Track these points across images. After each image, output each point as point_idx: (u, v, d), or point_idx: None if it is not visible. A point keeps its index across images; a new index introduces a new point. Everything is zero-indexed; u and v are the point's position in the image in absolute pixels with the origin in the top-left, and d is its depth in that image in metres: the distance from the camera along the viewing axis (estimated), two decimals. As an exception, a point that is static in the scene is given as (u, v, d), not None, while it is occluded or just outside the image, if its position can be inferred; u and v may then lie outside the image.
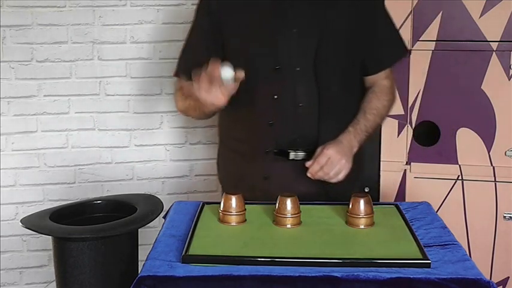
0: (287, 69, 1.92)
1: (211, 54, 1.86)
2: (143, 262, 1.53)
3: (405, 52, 2.11)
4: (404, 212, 1.80)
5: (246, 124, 2.00)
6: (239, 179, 2.04)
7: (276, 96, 1.93)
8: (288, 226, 1.67)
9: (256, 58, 1.93)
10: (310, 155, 1.91)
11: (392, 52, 2.08)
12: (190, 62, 1.95)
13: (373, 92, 2.03)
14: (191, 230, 1.66)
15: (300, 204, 1.81)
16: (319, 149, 1.86)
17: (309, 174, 1.84)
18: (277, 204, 1.69)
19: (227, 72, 1.68)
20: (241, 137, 2.02)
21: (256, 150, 1.98)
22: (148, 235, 2.57)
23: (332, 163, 1.82)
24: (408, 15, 2.30)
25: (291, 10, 1.92)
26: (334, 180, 1.84)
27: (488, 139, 2.30)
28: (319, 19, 1.92)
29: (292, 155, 1.96)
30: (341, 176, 1.84)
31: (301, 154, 1.95)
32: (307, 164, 1.84)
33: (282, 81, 1.93)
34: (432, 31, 2.28)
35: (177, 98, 2.05)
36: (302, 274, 1.42)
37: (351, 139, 1.91)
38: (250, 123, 1.98)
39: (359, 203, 1.68)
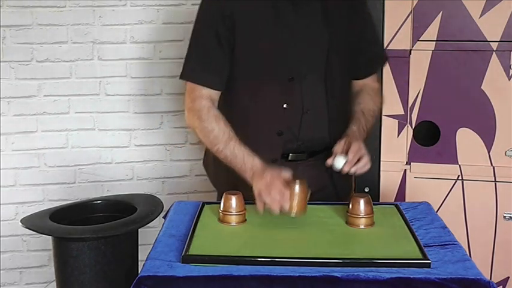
0: (298, 78, 1.92)
1: (228, 58, 1.91)
2: (143, 262, 1.53)
3: (387, 58, 2.14)
4: (404, 212, 1.80)
5: (253, 133, 1.95)
6: (241, 188, 1.97)
7: (285, 105, 1.93)
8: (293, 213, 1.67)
9: (268, 68, 1.92)
10: (310, 155, 1.97)
11: (382, 54, 2.12)
12: (211, 67, 1.93)
13: (368, 94, 2.04)
14: (191, 230, 1.66)
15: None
16: (341, 143, 1.84)
17: (347, 165, 1.80)
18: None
19: (340, 162, 1.78)
20: (249, 145, 1.93)
21: (262, 160, 1.92)
22: (148, 235, 2.57)
23: (362, 150, 1.83)
24: (408, 15, 2.30)
25: (299, 20, 1.92)
26: (365, 169, 1.83)
27: (488, 139, 2.30)
28: (326, 28, 1.93)
29: (292, 156, 1.96)
30: (368, 165, 1.84)
31: (303, 155, 1.97)
32: (328, 161, 1.82)
33: (293, 90, 1.92)
34: (432, 31, 2.28)
35: (196, 124, 1.94)
36: (302, 274, 1.42)
37: (357, 137, 1.91)
38: (258, 133, 1.95)
39: (359, 203, 1.69)
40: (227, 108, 1.99)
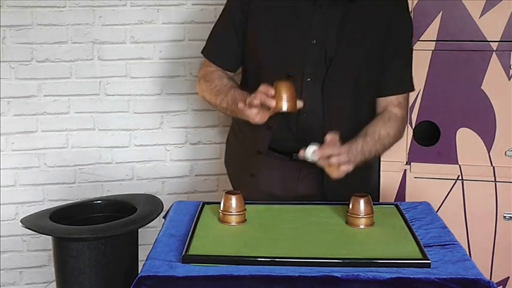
0: (298, 78, 1.91)
1: (240, 43, 2.00)
2: (143, 262, 1.53)
3: (412, 88, 2.08)
4: (404, 212, 1.80)
5: (246, 122, 2.00)
6: (236, 168, 2.14)
7: None
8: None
9: (271, 61, 1.94)
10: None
11: (404, 82, 2.05)
12: (223, 48, 2.04)
13: (382, 117, 1.99)
14: (191, 230, 1.66)
15: (300, 204, 1.82)
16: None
17: (318, 154, 1.72)
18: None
19: (311, 151, 1.72)
20: (245, 131, 2.07)
21: (250, 148, 2.02)
22: (148, 235, 2.57)
23: (339, 151, 1.74)
24: (408, 15, 2.29)
25: (314, 21, 1.91)
26: (335, 174, 1.74)
27: (488, 139, 2.30)
28: (341, 34, 1.91)
29: (294, 155, 1.96)
30: (343, 169, 1.72)
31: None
32: (300, 153, 1.76)
33: None
34: (432, 31, 2.28)
35: (203, 87, 2.05)
36: (302, 274, 1.42)
37: None
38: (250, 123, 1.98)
39: (359, 203, 1.69)
40: None
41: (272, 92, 1.70)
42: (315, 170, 1.98)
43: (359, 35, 1.93)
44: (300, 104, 1.74)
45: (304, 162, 1.97)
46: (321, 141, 1.88)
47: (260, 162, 2.00)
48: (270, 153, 2.00)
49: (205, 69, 2.08)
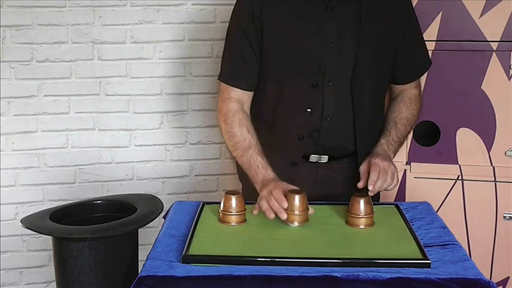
0: (322, 84, 1.91)
1: (259, 60, 1.94)
2: (143, 262, 1.53)
3: (430, 63, 2.15)
4: (404, 212, 1.80)
5: (276, 135, 1.99)
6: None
7: (309, 110, 1.93)
8: (295, 224, 1.68)
9: (293, 72, 1.92)
10: (331, 159, 1.98)
11: (422, 62, 2.11)
12: (243, 70, 1.96)
13: (403, 101, 2.07)
14: (191, 230, 1.66)
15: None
16: (364, 165, 1.88)
17: (370, 187, 1.80)
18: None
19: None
20: (270, 147, 1.99)
21: (282, 162, 1.96)
22: (148, 235, 2.57)
23: (385, 170, 1.83)
24: (408, 15, 2.29)
25: (328, 24, 1.90)
26: (393, 186, 1.84)
27: (488, 139, 2.29)
28: (356, 35, 1.90)
29: (314, 157, 1.98)
30: (396, 180, 1.85)
31: (324, 157, 1.98)
32: (359, 184, 1.84)
33: (316, 96, 1.92)
34: (432, 31, 2.28)
35: (222, 125, 1.98)
36: (302, 274, 1.42)
37: (385, 150, 1.94)
38: (282, 135, 1.98)
39: (359, 203, 1.69)
40: (256, 106, 2.01)
41: (286, 204, 1.69)
42: (331, 171, 1.99)
43: (374, 31, 1.93)
44: (311, 210, 1.74)
45: (320, 164, 1.98)
46: (347, 147, 1.95)
47: (295, 173, 1.96)
48: (303, 163, 1.99)
49: (225, 102, 1.97)
